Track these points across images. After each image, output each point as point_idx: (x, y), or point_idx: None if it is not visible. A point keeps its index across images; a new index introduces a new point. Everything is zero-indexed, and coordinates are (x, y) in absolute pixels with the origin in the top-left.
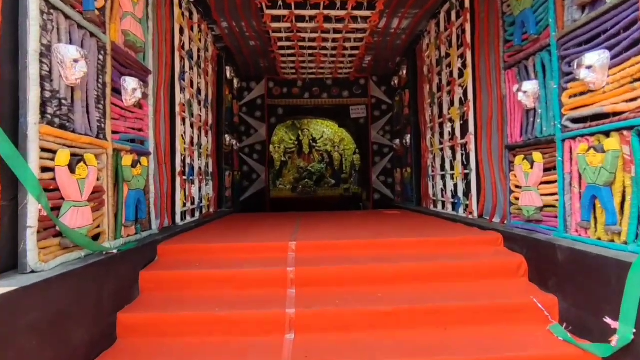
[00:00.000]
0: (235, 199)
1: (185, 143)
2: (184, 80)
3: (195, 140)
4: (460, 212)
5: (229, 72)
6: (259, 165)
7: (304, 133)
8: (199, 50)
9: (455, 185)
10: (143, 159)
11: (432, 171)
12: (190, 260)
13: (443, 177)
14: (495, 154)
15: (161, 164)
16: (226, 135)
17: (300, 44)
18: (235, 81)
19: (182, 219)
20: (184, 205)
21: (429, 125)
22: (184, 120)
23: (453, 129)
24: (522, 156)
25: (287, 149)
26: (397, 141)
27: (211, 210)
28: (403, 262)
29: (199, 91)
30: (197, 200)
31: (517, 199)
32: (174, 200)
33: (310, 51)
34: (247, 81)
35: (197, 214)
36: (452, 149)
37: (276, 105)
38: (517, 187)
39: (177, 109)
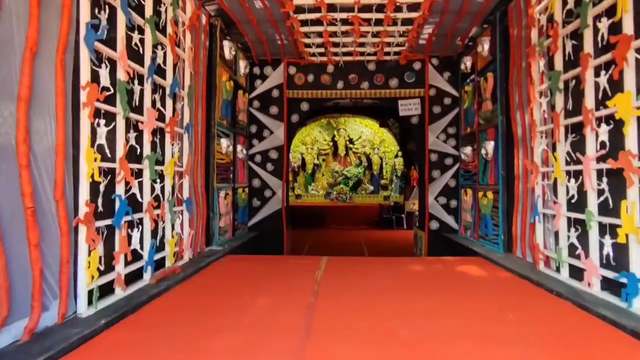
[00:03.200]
0: (241, 224)
1: (110, 155)
2: (101, 42)
3: (145, 151)
4: (637, 305)
5: (227, 49)
6: (275, 178)
7: (339, 133)
8: (158, 3)
9: (621, 249)
10: None
11: (545, 205)
12: None
13: (579, 225)
14: None
15: (28, 207)
16: (222, 140)
17: (329, 0)
18: (242, 64)
19: (92, 301)
20: (100, 274)
21: (540, 129)
22: (104, 116)
23: (617, 137)
24: None
25: (321, 151)
26: (468, 150)
27: (186, 256)
28: None
29: (156, 69)
30: (146, 253)
31: None
32: (75, 272)
33: (344, 14)
34: (261, 66)
35: (147, 275)
36: (611, 175)
37: (299, 99)
38: None
39: (84, 96)
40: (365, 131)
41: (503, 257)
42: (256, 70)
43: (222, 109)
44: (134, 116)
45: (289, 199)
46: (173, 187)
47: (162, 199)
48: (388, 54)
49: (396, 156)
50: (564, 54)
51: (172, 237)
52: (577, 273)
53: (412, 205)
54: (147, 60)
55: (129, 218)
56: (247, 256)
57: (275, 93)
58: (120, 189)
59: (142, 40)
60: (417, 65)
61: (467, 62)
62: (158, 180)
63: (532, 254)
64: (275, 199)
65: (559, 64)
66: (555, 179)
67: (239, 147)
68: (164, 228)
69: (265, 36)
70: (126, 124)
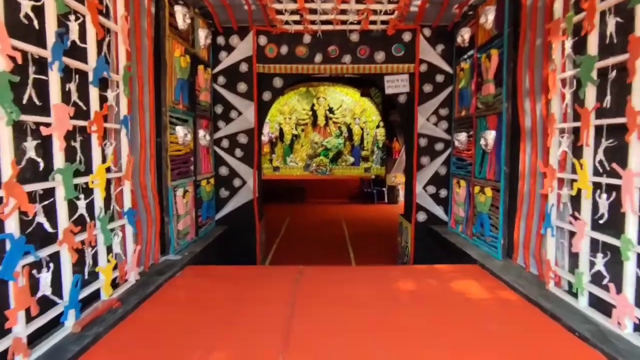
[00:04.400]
0: (207, 219)
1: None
2: None
3: (57, 163)
4: None
5: (181, 16)
6: (245, 166)
7: (319, 102)
8: None
9: None
10: None
11: (559, 217)
12: None
13: (609, 251)
14: None
15: None
16: (177, 128)
17: None
18: (202, 34)
19: None
20: None
21: (560, 127)
22: None
23: None
24: None
25: (300, 120)
26: (462, 136)
27: (132, 277)
28: None
29: (68, 49)
30: (66, 293)
31: None
32: None
33: None
34: (226, 35)
35: (69, 321)
36: None
37: (271, 74)
38: None
39: None
40: (345, 100)
41: (503, 266)
42: (220, 40)
43: (176, 90)
44: (31, 118)
45: (267, 171)
46: (107, 199)
47: (89, 219)
48: (374, 22)
49: (377, 126)
50: (601, 34)
51: (108, 262)
52: (598, 302)
53: (394, 179)
54: (51, 38)
55: (30, 259)
56: (209, 268)
57: (244, 67)
58: (11, 225)
59: (39, 10)
60: (406, 37)
61: (464, 35)
62: (82, 197)
63: (539, 267)
64: (246, 189)
65: (593, 47)
66: (579, 190)
67: (201, 132)
68: (94, 254)
69: (228, 0)
70: (18, 131)
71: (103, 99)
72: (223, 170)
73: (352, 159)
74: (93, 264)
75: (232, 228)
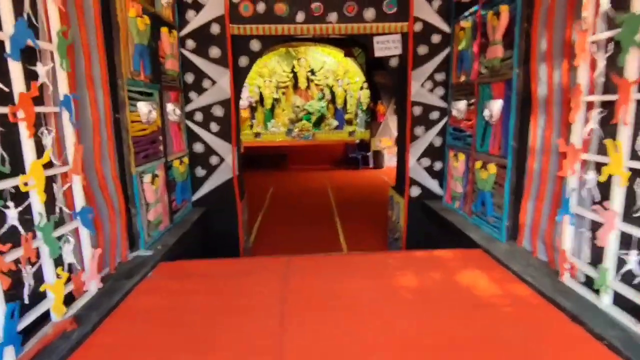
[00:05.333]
0: (182, 202)
1: None
2: None
3: None
4: None
5: None
6: (222, 141)
7: (300, 63)
8: None
9: None
10: None
11: (579, 203)
12: None
13: None
14: None
15: None
16: (139, 104)
17: None
18: None
19: None
20: None
21: (588, 99)
22: None
23: None
24: None
25: (280, 83)
26: (461, 104)
27: (93, 286)
28: None
29: None
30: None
31: None
32: None
33: None
34: None
35: None
36: None
37: (247, 36)
38: None
39: None
40: (328, 60)
41: (508, 250)
42: None
43: (135, 59)
44: None
45: (247, 138)
46: (51, 200)
47: (24, 231)
48: None
49: (361, 88)
50: None
51: (58, 276)
52: (619, 298)
53: (379, 143)
54: None
55: None
56: (185, 263)
57: (215, 29)
58: None
59: None
60: None
61: None
62: (11, 204)
63: (549, 253)
64: (225, 166)
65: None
66: (610, 177)
67: (169, 107)
68: (37, 272)
69: None
70: None
71: (32, 76)
72: (198, 147)
73: (335, 123)
74: (37, 284)
75: (210, 210)
